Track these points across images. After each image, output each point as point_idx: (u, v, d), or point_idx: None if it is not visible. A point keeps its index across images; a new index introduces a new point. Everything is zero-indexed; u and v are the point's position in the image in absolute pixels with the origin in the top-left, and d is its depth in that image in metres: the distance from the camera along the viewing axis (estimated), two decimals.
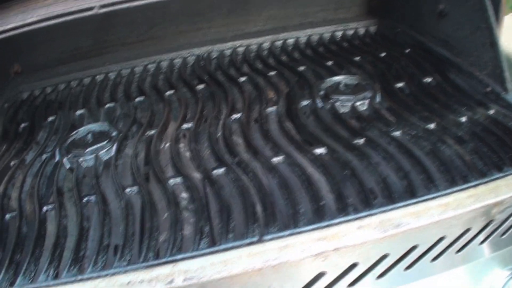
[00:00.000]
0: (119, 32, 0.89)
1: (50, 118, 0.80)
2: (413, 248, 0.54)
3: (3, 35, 0.74)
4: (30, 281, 0.53)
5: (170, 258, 0.51)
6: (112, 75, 0.90)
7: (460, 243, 0.57)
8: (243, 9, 0.95)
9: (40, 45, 0.87)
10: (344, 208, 0.54)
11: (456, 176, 0.57)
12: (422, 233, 0.54)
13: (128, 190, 0.61)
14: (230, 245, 0.51)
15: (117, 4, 0.69)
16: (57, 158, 0.70)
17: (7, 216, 0.63)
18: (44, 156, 0.71)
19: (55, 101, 0.85)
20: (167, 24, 0.90)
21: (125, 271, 0.50)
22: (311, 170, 0.59)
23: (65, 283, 0.51)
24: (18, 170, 0.70)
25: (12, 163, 0.72)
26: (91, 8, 0.69)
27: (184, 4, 0.91)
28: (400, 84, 0.73)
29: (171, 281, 0.48)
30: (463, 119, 0.67)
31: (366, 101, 0.68)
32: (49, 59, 0.90)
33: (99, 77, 0.90)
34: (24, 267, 0.54)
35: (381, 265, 0.54)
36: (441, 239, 0.55)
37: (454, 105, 0.69)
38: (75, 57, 0.90)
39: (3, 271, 0.54)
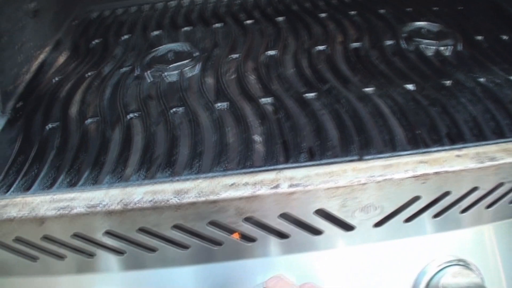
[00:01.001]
0: None
1: (124, 37, 0.79)
2: (500, 185, 0.55)
3: None
4: (119, 180, 0.53)
5: (272, 167, 0.52)
6: (185, 2, 0.89)
7: None
8: None
9: None
10: (439, 139, 0.55)
11: None
12: (509, 171, 0.55)
13: (218, 104, 0.61)
14: (331, 160, 0.52)
15: None
16: (137, 72, 0.70)
17: (88, 120, 0.63)
18: (123, 70, 0.70)
19: (127, 21, 0.84)
20: None
21: (225, 175, 0.51)
22: (403, 102, 0.60)
23: (163, 182, 0.51)
24: (96, 80, 0.69)
25: (88, 74, 0.71)
26: None
27: None
28: (479, 37, 0.73)
29: (276, 186, 0.49)
30: None
31: (450, 48, 0.69)
32: None
33: (172, 3, 0.89)
34: (112, 167, 0.55)
35: (469, 198, 0.55)
36: None
37: None
38: None
39: (88, 170, 0.55)
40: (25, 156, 0.60)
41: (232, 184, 0.49)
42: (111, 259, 0.55)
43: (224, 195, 0.48)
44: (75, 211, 0.49)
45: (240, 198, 0.49)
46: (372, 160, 0.52)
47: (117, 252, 0.54)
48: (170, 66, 0.68)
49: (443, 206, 0.55)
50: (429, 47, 0.68)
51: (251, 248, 0.55)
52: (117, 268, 0.57)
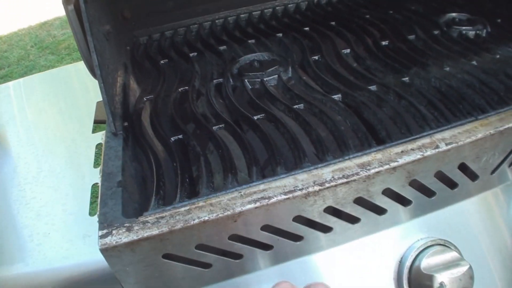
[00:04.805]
0: None
1: (192, 54, 0.81)
2: None
3: None
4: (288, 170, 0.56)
5: (419, 135, 0.60)
6: (231, 19, 0.93)
7: None
8: None
9: None
10: None
11: None
12: None
13: (334, 96, 0.67)
14: (460, 122, 0.61)
15: None
16: (232, 82, 0.73)
17: (215, 127, 0.65)
18: (216, 81, 0.73)
19: (185, 41, 0.86)
20: None
21: (391, 146, 0.58)
22: (478, 74, 0.72)
23: (342, 160, 0.55)
24: (193, 93, 0.71)
25: (180, 89, 0.72)
26: None
27: None
28: (498, 20, 0.86)
29: (436, 147, 0.57)
30: None
31: (484, 30, 0.83)
32: (161, 5, 0.90)
33: (218, 22, 0.93)
34: (274, 160, 0.58)
35: None
36: None
37: None
38: (188, 4, 0.91)
39: (252, 167, 0.57)
40: (166, 169, 0.60)
41: (402, 151, 0.57)
42: (289, 248, 0.58)
43: (401, 161, 0.55)
44: (273, 200, 0.52)
45: (412, 162, 0.56)
46: (488, 117, 0.63)
47: (296, 238, 0.57)
48: (267, 71, 0.72)
49: None
50: (469, 32, 0.82)
51: (408, 211, 0.62)
52: (287, 259, 0.60)
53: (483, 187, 0.68)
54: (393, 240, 0.64)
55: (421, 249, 0.64)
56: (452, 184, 0.62)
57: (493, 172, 0.65)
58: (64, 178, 0.72)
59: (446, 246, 0.64)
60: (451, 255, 0.63)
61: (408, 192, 0.59)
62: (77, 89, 1.01)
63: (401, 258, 0.64)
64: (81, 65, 1.10)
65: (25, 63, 3.12)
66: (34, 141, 0.82)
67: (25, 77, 1.07)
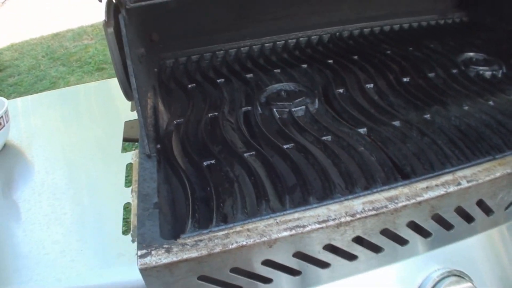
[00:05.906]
0: (259, 9, 0.95)
1: (220, 80, 0.84)
2: None
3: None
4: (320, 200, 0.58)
5: (442, 172, 0.63)
6: (256, 48, 0.97)
7: None
8: None
9: (178, 16, 0.90)
10: None
11: None
12: None
13: (360, 130, 0.71)
14: (479, 160, 0.65)
15: None
16: (260, 110, 0.76)
17: (246, 154, 0.67)
18: (244, 109, 0.76)
19: (211, 66, 0.89)
20: (302, 4, 1.00)
21: (417, 181, 0.61)
22: (495, 115, 0.75)
23: (369, 193, 0.58)
24: (222, 119, 0.74)
25: (209, 115, 0.75)
26: None
27: None
28: None
29: (458, 184, 0.60)
30: None
31: (500, 71, 0.87)
32: (189, 30, 0.93)
33: (244, 49, 0.96)
34: (306, 189, 0.60)
35: None
36: None
37: None
38: (215, 31, 0.95)
39: (285, 195, 0.60)
40: (200, 193, 0.63)
41: (427, 187, 0.60)
42: (316, 274, 0.60)
43: (426, 196, 0.58)
44: (307, 228, 0.54)
45: (436, 197, 0.59)
46: (505, 157, 0.66)
47: (323, 265, 0.59)
48: (294, 102, 0.75)
49: None
50: (486, 72, 0.87)
51: (427, 243, 0.64)
52: (312, 285, 0.62)
53: (496, 222, 0.71)
54: (411, 270, 0.67)
55: (438, 279, 0.66)
56: (469, 219, 0.65)
57: (506, 208, 0.68)
58: (95, 197, 0.74)
59: (461, 277, 0.67)
60: (466, 286, 0.65)
61: (429, 225, 0.62)
62: (100, 107, 1.04)
63: None
64: (102, 84, 1.13)
65: (35, 72, 3.14)
66: (61, 157, 0.84)
67: (50, 90, 1.09)
